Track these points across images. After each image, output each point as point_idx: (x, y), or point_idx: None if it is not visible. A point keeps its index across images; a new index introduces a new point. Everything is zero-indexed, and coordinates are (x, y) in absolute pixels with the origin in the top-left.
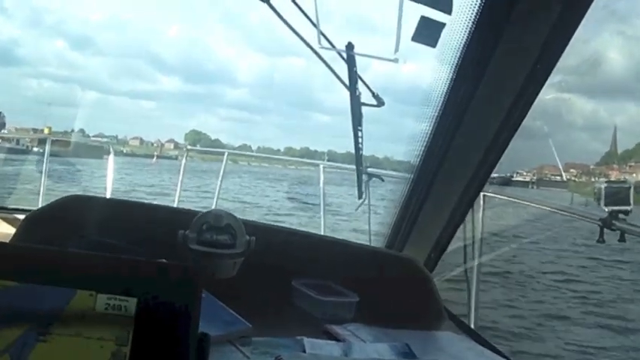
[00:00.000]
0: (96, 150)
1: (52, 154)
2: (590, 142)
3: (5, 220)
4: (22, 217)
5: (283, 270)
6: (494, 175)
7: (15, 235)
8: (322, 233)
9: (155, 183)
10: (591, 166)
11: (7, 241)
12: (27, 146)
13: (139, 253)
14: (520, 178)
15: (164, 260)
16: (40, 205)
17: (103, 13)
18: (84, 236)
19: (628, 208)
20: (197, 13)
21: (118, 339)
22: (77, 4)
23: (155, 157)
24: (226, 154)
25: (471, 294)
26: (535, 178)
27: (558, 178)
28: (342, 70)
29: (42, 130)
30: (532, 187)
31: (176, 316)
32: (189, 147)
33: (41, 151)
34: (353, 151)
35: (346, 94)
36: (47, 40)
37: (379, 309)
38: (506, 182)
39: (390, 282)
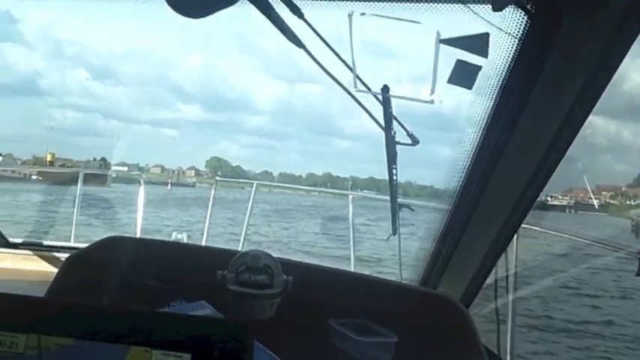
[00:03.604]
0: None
1: (62, 184)
2: (615, 164)
3: (43, 258)
4: (58, 255)
5: (320, 309)
6: None
7: (57, 276)
8: (352, 268)
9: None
10: (623, 188)
11: (49, 281)
12: (24, 174)
13: (179, 294)
14: (557, 202)
15: (204, 301)
16: (72, 240)
17: (123, 43)
18: (125, 278)
19: None
20: (216, 42)
21: None
22: (98, 34)
23: (169, 185)
24: (255, 185)
25: (507, 330)
26: (572, 201)
27: (596, 201)
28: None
29: (45, 158)
30: (570, 212)
31: None
32: (218, 178)
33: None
34: (375, 176)
35: (366, 120)
36: (69, 71)
37: (417, 348)
38: (544, 207)
39: (427, 320)
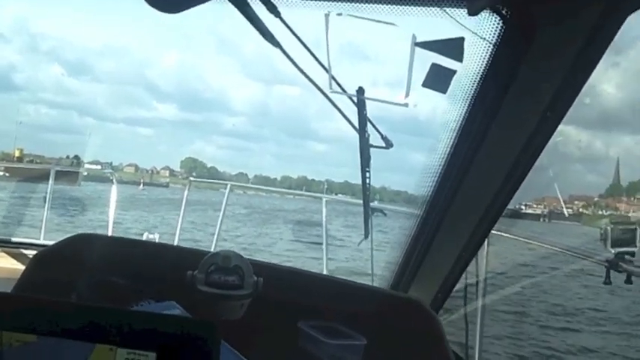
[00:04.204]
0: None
1: (31, 181)
2: (586, 174)
3: (11, 254)
4: (27, 252)
5: (290, 310)
6: None
7: (24, 273)
8: (325, 272)
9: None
10: (595, 198)
11: (17, 278)
12: None
13: (148, 293)
14: (530, 211)
15: (173, 302)
16: (42, 238)
17: (99, 39)
18: (94, 276)
19: (634, 249)
20: (193, 41)
21: None
22: (74, 30)
23: (142, 185)
24: (229, 186)
25: (475, 334)
26: (546, 210)
27: (570, 210)
28: (350, 110)
29: (13, 153)
30: (544, 220)
31: None
32: (192, 179)
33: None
34: (350, 180)
35: (342, 123)
36: (44, 67)
37: (385, 352)
38: (517, 215)
39: (397, 324)
